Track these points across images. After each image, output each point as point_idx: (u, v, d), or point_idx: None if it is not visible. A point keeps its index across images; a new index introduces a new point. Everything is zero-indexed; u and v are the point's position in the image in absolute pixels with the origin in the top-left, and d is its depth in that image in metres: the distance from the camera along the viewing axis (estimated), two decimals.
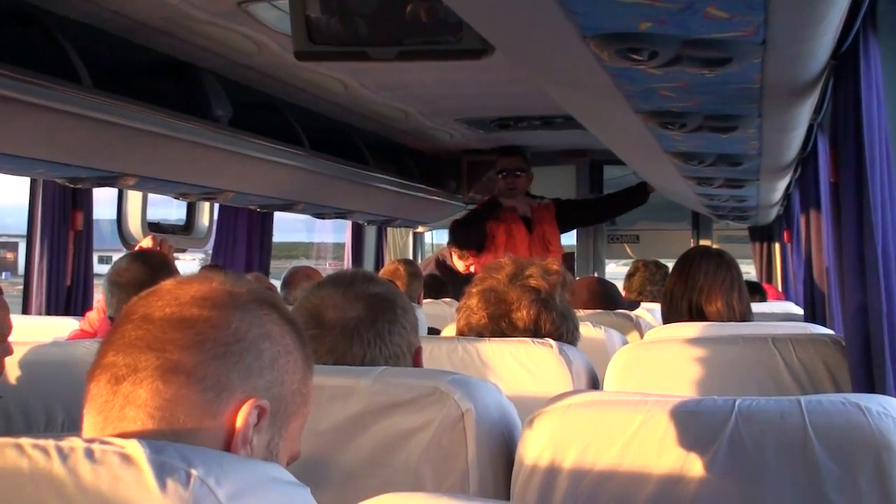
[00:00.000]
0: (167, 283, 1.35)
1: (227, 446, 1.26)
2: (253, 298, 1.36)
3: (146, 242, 4.48)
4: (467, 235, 7.21)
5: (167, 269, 3.70)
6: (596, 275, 8.25)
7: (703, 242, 8.34)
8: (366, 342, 2.12)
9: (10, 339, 2.87)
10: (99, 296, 4.16)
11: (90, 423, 1.27)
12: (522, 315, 2.84)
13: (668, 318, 3.49)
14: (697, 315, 3.39)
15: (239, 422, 1.27)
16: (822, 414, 1.80)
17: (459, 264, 7.66)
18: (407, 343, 2.18)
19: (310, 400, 1.42)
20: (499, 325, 2.84)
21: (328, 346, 2.12)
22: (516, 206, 7.03)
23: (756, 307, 5.36)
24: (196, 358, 1.27)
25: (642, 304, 5.38)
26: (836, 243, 2.49)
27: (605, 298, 4.77)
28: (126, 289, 3.61)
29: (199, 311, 1.30)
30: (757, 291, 7.01)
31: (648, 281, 5.88)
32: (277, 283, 5.78)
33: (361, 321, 2.14)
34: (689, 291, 3.43)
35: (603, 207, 7.43)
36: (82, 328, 4.04)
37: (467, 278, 7.08)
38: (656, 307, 3.84)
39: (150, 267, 3.69)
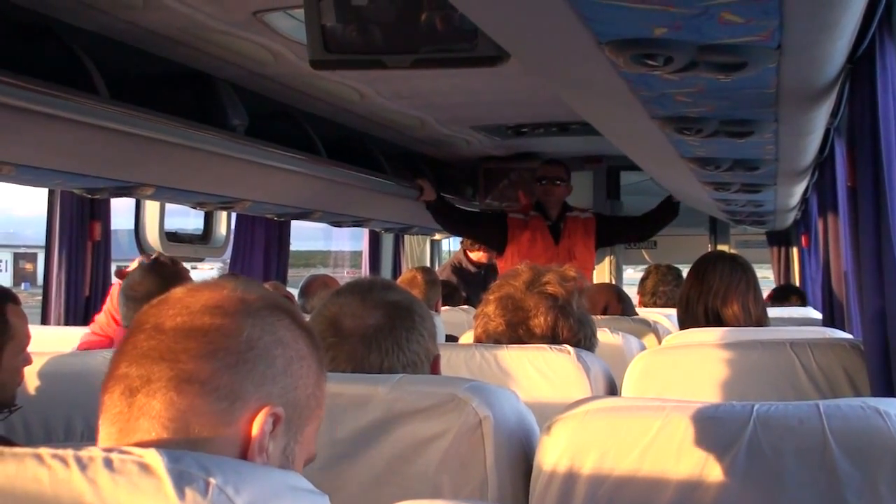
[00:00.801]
0: (178, 291, 1.35)
1: (243, 454, 1.26)
2: (264, 305, 1.35)
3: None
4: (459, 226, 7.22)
5: (180, 280, 3.70)
6: (612, 281, 8.26)
7: (720, 247, 8.32)
8: (384, 350, 2.12)
9: (30, 349, 2.88)
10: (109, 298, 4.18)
11: (105, 434, 1.27)
12: (540, 322, 2.84)
13: (684, 323, 3.48)
14: (714, 319, 3.38)
15: (255, 430, 1.27)
16: (841, 419, 1.79)
17: (473, 255, 7.66)
18: (425, 351, 2.18)
19: (324, 403, 1.42)
20: (516, 332, 2.84)
21: (346, 353, 2.12)
22: (546, 216, 6.98)
23: (774, 312, 5.35)
24: (209, 367, 1.26)
25: (655, 308, 5.37)
26: (854, 247, 2.48)
27: (620, 304, 4.77)
28: (141, 303, 3.61)
29: (211, 320, 1.29)
30: (794, 293, 7.00)
31: (661, 281, 5.87)
32: (295, 292, 5.78)
33: (379, 329, 2.14)
34: (704, 295, 3.43)
35: (643, 226, 7.36)
36: (93, 331, 4.06)
37: (484, 282, 7.10)
38: (673, 312, 3.83)
39: (163, 278, 3.69)
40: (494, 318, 2.87)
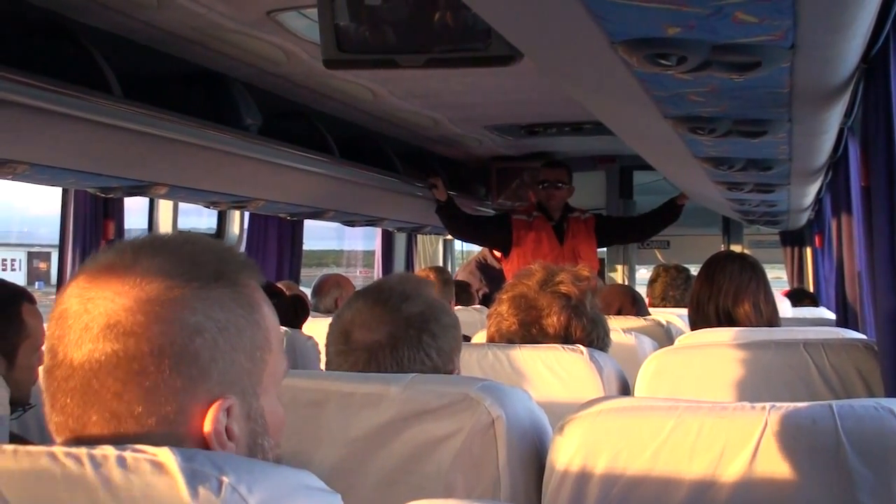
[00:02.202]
0: (72, 303, 1.24)
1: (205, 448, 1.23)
2: (161, 297, 1.22)
3: None
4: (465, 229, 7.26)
5: None
6: (626, 282, 8.26)
7: (733, 247, 8.30)
8: (383, 368, 2.11)
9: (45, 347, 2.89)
10: None
11: None
12: (553, 321, 2.84)
13: (695, 323, 3.47)
14: (725, 319, 3.38)
15: (207, 427, 1.23)
16: (855, 419, 1.78)
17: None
18: (430, 370, 2.15)
19: (271, 336, 1.32)
20: (529, 331, 2.84)
21: (351, 364, 2.13)
22: (549, 216, 6.99)
23: (789, 312, 5.34)
24: (135, 398, 1.20)
25: (668, 308, 5.35)
26: (868, 247, 2.48)
27: (633, 305, 4.76)
28: None
29: (115, 346, 1.20)
30: (807, 297, 6.99)
31: (670, 286, 5.85)
32: (308, 291, 5.79)
33: (381, 347, 2.13)
34: (715, 296, 3.42)
35: (642, 227, 7.37)
36: None
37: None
38: (686, 312, 3.83)
39: None
40: (507, 318, 2.87)
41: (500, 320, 2.89)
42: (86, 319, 1.22)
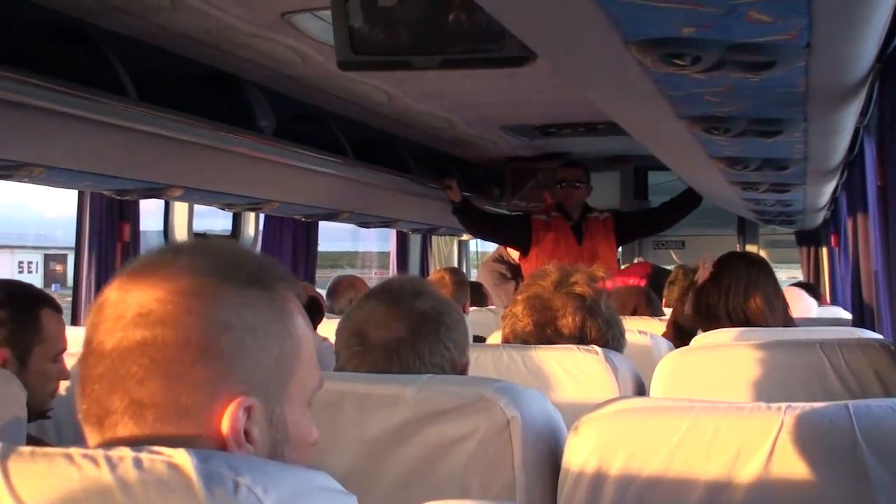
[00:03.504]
0: (111, 294, 1.27)
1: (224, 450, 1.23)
2: (194, 286, 1.25)
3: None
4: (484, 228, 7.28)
5: None
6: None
7: (749, 247, 8.29)
8: (405, 364, 2.12)
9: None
10: None
11: None
12: (568, 322, 2.84)
13: (707, 326, 3.45)
14: (738, 318, 3.37)
15: (225, 428, 1.23)
16: (871, 419, 1.78)
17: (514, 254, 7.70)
18: (449, 363, 2.16)
19: (301, 343, 1.33)
20: (544, 332, 2.84)
21: (369, 364, 2.13)
22: (568, 216, 7.00)
23: (804, 312, 5.32)
24: (159, 388, 1.22)
25: None
26: (885, 247, 2.47)
27: (649, 306, 4.76)
28: None
29: (144, 333, 1.22)
30: (810, 289, 6.97)
31: (689, 288, 5.83)
32: (323, 293, 5.80)
33: (402, 342, 2.13)
34: (724, 295, 3.41)
35: (660, 216, 7.35)
36: None
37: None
38: None
39: None
40: (522, 318, 2.88)
41: (515, 321, 2.90)
42: (120, 309, 1.24)
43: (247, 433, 1.25)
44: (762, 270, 3.45)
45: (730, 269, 3.45)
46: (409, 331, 2.14)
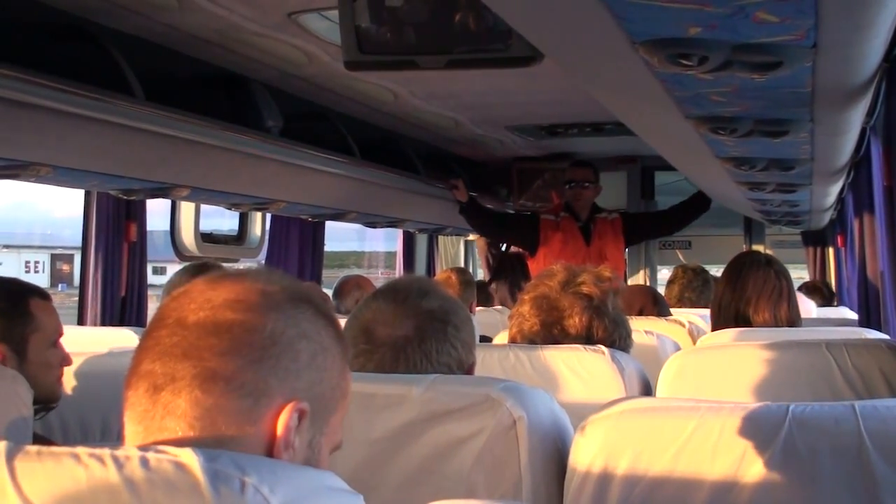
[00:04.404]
0: (199, 284, 1.33)
1: (269, 451, 1.25)
2: (287, 297, 1.33)
3: None
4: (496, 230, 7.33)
5: None
6: (647, 282, 8.23)
7: (755, 247, 8.27)
8: (412, 363, 2.12)
9: (68, 349, 2.90)
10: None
11: (131, 432, 1.27)
12: (575, 322, 2.84)
13: (716, 325, 3.46)
14: (743, 325, 3.37)
15: (280, 427, 1.26)
16: (877, 419, 1.78)
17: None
18: (456, 362, 2.16)
19: (349, 393, 1.40)
20: (551, 332, 2.84)
21: (376, 362, 2.12)
22: (577, 216, 7.01)
23: (811, 312, 5.31)
24: (233, 364, 1.25)
25: (690, 309, 5.33)
26: (891, 247, 2.47)
27: (655, 306, 4.75)
28: None
29: (234, 315, 1.28)
30: (816, 291, 6.97)
31: (687, 287, 5.82)
32: (329, 293, 5.80)
33: (409, 341, 2.13)
34: (736, 301, 3.41)
35: (670, 219, 7.35)
36: None
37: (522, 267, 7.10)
38: (707, 313, 3.82)
39: None
40: (529, 318, 2.87)
41: (522, 321, 2.89)
42: (209, 295, 1.30)
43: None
44: (779, 284, 3.44)
45: (749, 276, 3.44)
46: (415, 329, 2.14)
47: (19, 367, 2.72)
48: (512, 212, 7.92)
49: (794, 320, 3.44)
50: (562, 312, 2.85)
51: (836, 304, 7.12)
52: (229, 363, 1.25)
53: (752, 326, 3.36)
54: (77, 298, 4.99)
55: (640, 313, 4.51)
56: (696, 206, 7.04)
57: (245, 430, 1.24)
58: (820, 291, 7.27)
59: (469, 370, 2.21)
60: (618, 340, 2.87)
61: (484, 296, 6.74)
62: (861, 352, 2.70)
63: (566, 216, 6.97)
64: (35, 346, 2.82)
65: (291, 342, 1.30)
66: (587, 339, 2.82)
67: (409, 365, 2.11)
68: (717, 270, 5.80)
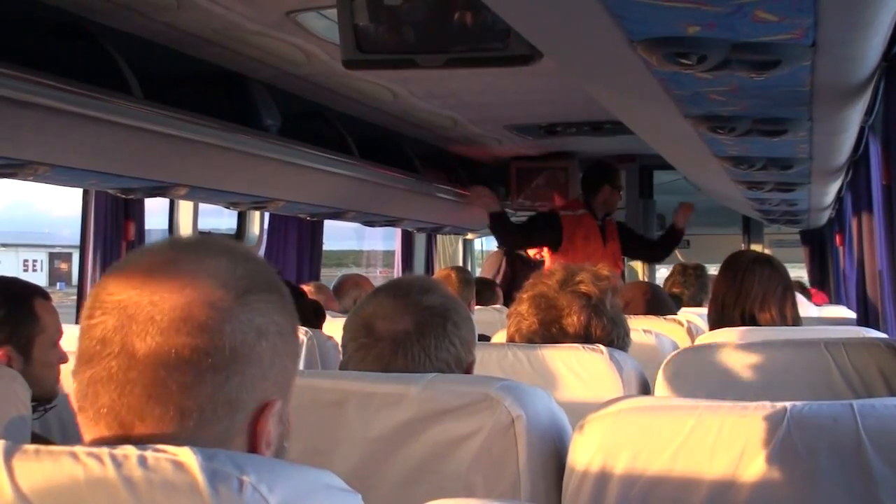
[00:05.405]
0: (140, 300, 1.22)
1: (252, 451, 1.26)
2: (234, 298, 1.25)
3: None
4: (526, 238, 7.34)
5: None
6: (646, 280, 8.24)
7: (753, 247, 8.29)
8: (410, 357, 2.12)
9: (65, 348, 2.90)
10: None
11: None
12: (573, 321, 2.84)
13: (717, 323, 3.45)
14: (750, 323, 3.37)
15: (260, 432, 1.26)
16: (876, 418, 1.78)
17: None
18: (455, 359, 2.17)
19: (297, 351, 1.36)
20: (549, 330, 2.84)
21: (375, 355, 2.12)
22: (595, 216, 7.07)
23: (808, 311, 5.32)
24: (203, 394, 1.21)
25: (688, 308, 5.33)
26: (890, 246, 2.47)
27: (657, 304, 4.74)
28: None
29: (187, 339, 1.21)
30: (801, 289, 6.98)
31: (683, 286, 5.83)
32: None
33: (409, 336, 2.13)
34: (742, 300, 3.41)
35: (652, 251, 7.57)
36: None
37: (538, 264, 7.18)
38: (703, 311, 3.82)
39: None
40: (528, 317, 2.88)
41: (521, 320, 2.90)
42: (150, 312, 1.21)
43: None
44: (782, 282, 3.44)
45: (753, 274, 3.43)
46: (415, 324, 2.14)
47: (23, 368, 2.73)
48: (531, 213, 7.91)
49: (797, 318, 3.44)
50: (560, 311, 2.85)
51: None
52: (199, 395, 1.21)
53: (758, 325, 3.35)
54: (75, 297, 4.99)
55: (642, 311, 4.51)
56: (672, 240, 7.20)
57: (226, 446, 1.21)
58: (800, 287, 7.29)
59: (468, 368, 2.21)
60: (616, 339, 2.87)
61: (486, 295, 6.75)
62: (859, 351, 2.70)
63: (585, 213, 7.00)
64: (40, 346, 2.83)
65: (252, 348, 1.25)
66: (585, 337, 2.82)
67: (408, 359, 2.11)
68: (715, 269, 5.80)
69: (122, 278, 1.26)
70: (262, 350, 1.26)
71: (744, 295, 3.41)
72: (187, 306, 1.22)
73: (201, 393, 1.21)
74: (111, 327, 1.22)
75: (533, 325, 2.87)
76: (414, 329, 2.14)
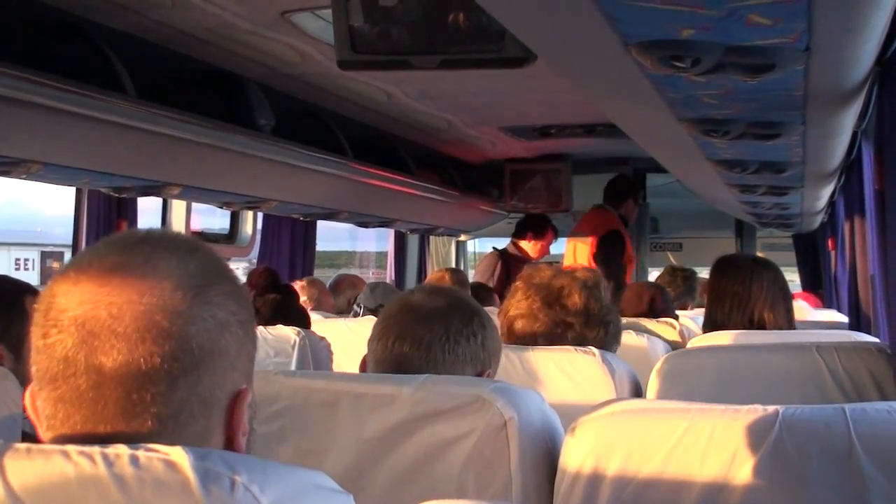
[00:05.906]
0: (87, 308, 1.19)
1: (230, 444, 1.26)
2: (192, 297, 1.22)
3: None
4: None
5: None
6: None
7: (746, 250, 8.29)
8: (436, 333, 2.19)
9: None
10: None
11: None
12: (574, 300, 2.91)
13: (715, 326, 3.44)
14: (758, 328, 3.36)
15: (235, 422, 1.26)
16: (867, 422, 1.78)
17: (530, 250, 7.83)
18: (472, 354, 2.22)
19: (253, 335, 1.34)
20: (553, 308, 2.90)
21: (402, 325, 2.20)
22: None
23: (800, 315, 5.32)
24: (176, 399, 1.20)
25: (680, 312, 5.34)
26: (881, 251, 2.47)
27: (656, 304, 4.74)
28: None
29: (152, 348, 1.18)
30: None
31: (668, 284, 5.84)
32: None
33: (438, 311, 2.22)
34: (752, 303, 3.40)
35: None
36: None
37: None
38: (700, 313, 3.83)
39: None
40: (528, 298, 2.93)
41: (519, 302, 2.94)
42: (111, 324, 1.18)
43: None
44: (783, 286, 3.45)
45: (761, 278, 3.43)
46: (448, 306, 2.23)
47: (15, 366, 2.71)
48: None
49: (793, 322, 3.46)
50: (560, 291, 2.92)
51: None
52: (174, 400, 1.20)
53: (765, 328, 3.35)
54: None
55: (649, 306, 4.52)
56: None
57: (205, 444, 1.21)
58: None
59: (480, 373, 2.23)
60: (611, 324, 2.92)
61: (482, 297, 6.75)
62: (851, 355, 2.71)
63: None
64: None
65: (217, 343, 1.23)
66: (587, 315, 2.87)
67: (433, 333, 2.17)
68: (707, 273, 5.81)
69: (73, 290, 1.22)
70: (226, 343, 1.24)
71: (755, 298, 3.41)
72: (148, 314, 1.19)
73: (176, 398, 1.20)
74: (71, 345, 1.19)
75: (535, 303, 2.90)
76: (445, 308, 2.21)
